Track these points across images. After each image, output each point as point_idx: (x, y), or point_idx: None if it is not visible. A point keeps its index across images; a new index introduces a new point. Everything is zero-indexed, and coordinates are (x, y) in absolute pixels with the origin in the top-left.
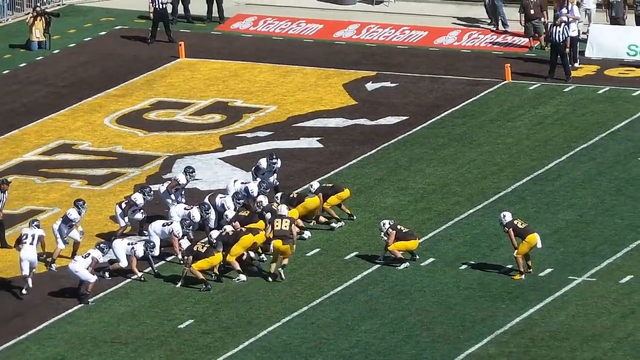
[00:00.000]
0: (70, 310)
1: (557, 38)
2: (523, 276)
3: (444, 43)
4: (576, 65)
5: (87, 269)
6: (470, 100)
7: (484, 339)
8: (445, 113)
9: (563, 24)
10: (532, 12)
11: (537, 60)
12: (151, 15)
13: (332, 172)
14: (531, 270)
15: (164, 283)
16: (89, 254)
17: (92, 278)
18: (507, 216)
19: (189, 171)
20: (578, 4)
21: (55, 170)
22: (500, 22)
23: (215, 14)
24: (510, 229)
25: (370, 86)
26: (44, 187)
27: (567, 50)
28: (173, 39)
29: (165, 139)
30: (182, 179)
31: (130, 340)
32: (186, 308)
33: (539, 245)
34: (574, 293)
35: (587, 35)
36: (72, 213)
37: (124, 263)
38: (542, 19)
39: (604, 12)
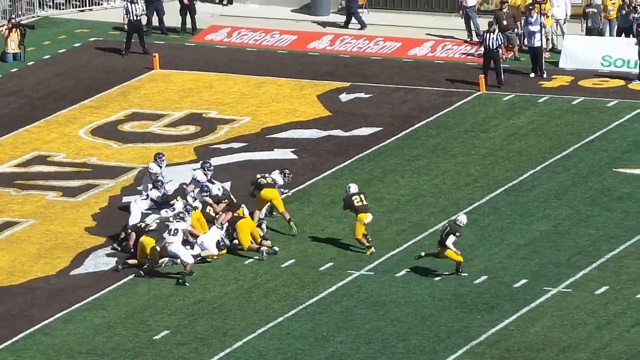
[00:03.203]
0: (45, 322)
1: (490, 45)
2: (373, 249)
3: (418, 54)
4: (544, 76)
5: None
6: (445, 111)
7: (460, 349)
8: (420, 124)
9: (497, 31)
10: (505, 23)
11: (511, 71)
12: (125, 27)
13: (306, 184)
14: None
15: (139, 294)
16: (176, 229)
17: (190, 258)
18: (352, 188)
19: (206, 166)
20: (546, 15)
21: (30, 181)
22: (474, 33)
23: (188, 25)
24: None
25: (344, 97)
26: (19, 198)
27: (503, 57)
28: (147, 50)
29: (140, 150)
30: (200, 176)
31: (106, 351)
32: (161, 319)
33: (369, 221)
34: (550, 304)
35: (560, 46)
36: (153, 167)
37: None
38: (516, 30)
39: (576, 22)
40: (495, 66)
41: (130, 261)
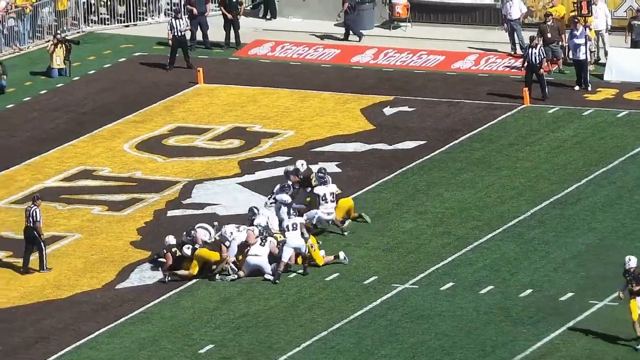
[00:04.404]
0: (91, 336)
1: (532, 59)
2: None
3: (462, 67)
4: (588, 89)
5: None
6: (489, 124)
7: None
8: (464, 137)
9: (539, 45)
10: (549, 36)
11: (555, 84)
12: (170, 42)
13: (350, 197)
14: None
15: (184, 308)
16: (264, 237)
17: (268, 266)
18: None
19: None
20: (590, 27)
21: (76, 196)
22: (518, 46)
23: (232, 39)
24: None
25: (388, 111)
26: (65, 213)
27: (542, 71)
28: (192, 65)
29: (185, 164)
30: (285, 198)
31: None
32: (206, 333)
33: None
34: (596, 317)
35: (604, 58)
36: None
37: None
38: (560, 43)
39: (621, 35)
40: (538, 80)
41: (180, 272)
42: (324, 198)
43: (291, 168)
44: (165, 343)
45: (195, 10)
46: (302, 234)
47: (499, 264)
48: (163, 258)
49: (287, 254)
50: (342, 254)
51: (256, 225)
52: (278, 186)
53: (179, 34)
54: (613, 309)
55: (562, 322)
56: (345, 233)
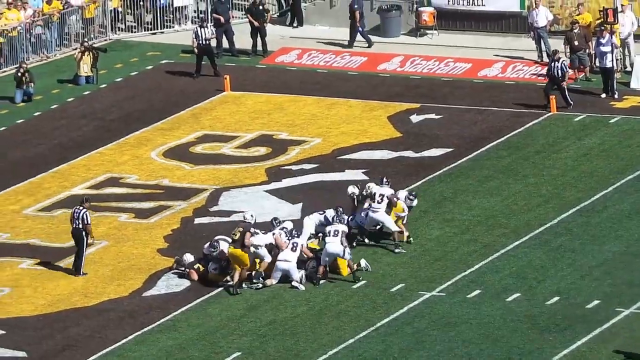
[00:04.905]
0: (118, 344)
1: (554, 73)
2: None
3: (488, 75)
4: (615, 96)
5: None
6: (515, 132)
7: None
8: (490, 145)
9: (561, 59)
10: (576, 43)
11: (582, 92)
12: (195, 50)
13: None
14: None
15: (211, 316)
16: (295, 243)
17: (296, 273)
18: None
19: (339, 211)
20: (615, 35)
21: (103, 203)
22: (545, 54)
23: (259, 47)
24: None
25: (414, 118)
26: (92, 220)
27: (564, 84)
28: (219, 72)
29: (212, 172)
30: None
31: None
32: (233, 341)
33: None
34: (623, 325)
35: (632, 67)
36: (330, 213)
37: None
38: (587, 51)
39: None
40: (560, 91)
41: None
42: (373, 197)
43: (355, 191)
44: (192, 351)
45: (222, 19)
46: (341, 242)
47: (526, 272)
48: (186, 277)
49: (325, 259)
50: (363, 262)
51: (282, 229)
52: (333, 212)
53: (204, 42)
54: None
55: (588, 330)
56: (397, 250)
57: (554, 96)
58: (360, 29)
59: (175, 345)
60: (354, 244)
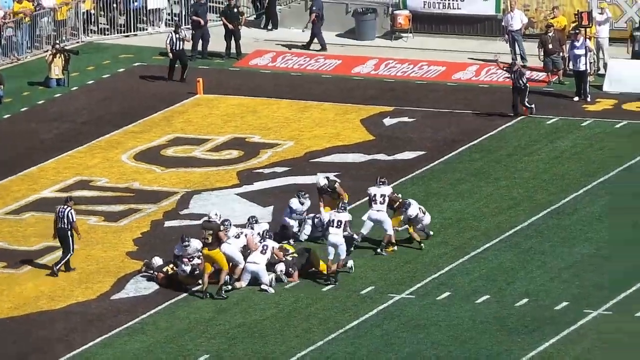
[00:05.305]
0: (85, 347)
1: (517, 83)
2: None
3: (462, 78)
4: (588, 99)
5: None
6: (488, 134)
7: None
8: (463, 148)
9: (518, 69)
10: (550, 46)
11: (555, 95)
12: (170, 55)
13: (349, 207)
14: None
15: (179, 318)
16: (265, 246)
17: (266, 276)
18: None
19: (301, 194)
20: (590, 38)
21: (73, 207)
22: (519, 57)
23: (233, 50)
24: None
25: (388, 121)
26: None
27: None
28: (185, 79)
29: (183, 175)
30: (295, 204)
31: None
32: (201, 343)
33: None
34: (591, 326)
35: (605, 70)
36: (294, 202)
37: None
38: (561, 54)
39: (620, 46)
40: (520, 100)
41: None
42: (374, 198)
43: (323, 183)
44: (159, 354)
45: (202, 22)
46: (346, 233)
47: (496, 274)
48: (154, 281)
49: (330, 251)
50: (350, 262)
51: (259, 233)
52: (296, 200)
53: (177, 48)
54: (607, 318)
55: (557, 331)
56: (379, 250)
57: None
58: (313, 30)
59: (143, 349)
60: (352, 248)
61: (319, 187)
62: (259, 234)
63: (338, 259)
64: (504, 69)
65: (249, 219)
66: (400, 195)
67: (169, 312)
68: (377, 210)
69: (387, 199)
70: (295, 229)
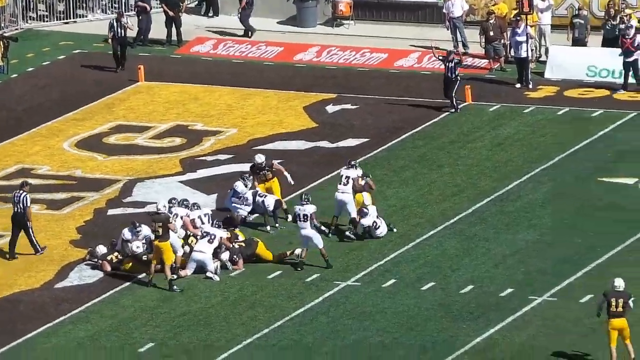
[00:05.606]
0: (28, 336)
1: (448, 73)
2: None
3: (404, 65)
4: (529, 86)
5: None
6: (431, 122)
7: (445, 359)
8: (406, 135)
9: (454, 60)
10: (492, 34)
11: (497, 82)
12: (110, 42)
13: (292, 195)
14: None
15: (124, 307)
16: (213, 235)
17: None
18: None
19: (245, 176)
20: (532, 25)
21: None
22: (460, 44)
23: (174, 37)
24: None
25: (330, 108)
26: (2, 211)
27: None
28: (124, 66)
29: (125, 162)
30: (240, 187)
31: None
32: (147, 331)
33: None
34: (535, 313)
35: (547, 56)
36: (239, 185)
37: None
38: (502, 41)
39: (562, 33)
40: (449, 94)
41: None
42: (340, 180)
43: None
44: (104, 342)
45: (148, 7)
46: (314, 225)
47: (440, 261)
48: (99, 269)
49: (306, 242)
50: (298, 250)
51: (198, 217)
52: (241, 183)
53: (119, 35)
54: (552, 304)
55: (501, 318)
56: (347, 233)
57: (468, 86)
58: (240, 16)
59: (88, 337)
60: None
61: (255, 164)
62: (208, 217)
63: (314, 248)
64: (439, 57)
65: (169, 201)
66: (364, 183)
67: (114, 300)
68: (342, 192)
69: (351, 181)
70: (244, 214)
